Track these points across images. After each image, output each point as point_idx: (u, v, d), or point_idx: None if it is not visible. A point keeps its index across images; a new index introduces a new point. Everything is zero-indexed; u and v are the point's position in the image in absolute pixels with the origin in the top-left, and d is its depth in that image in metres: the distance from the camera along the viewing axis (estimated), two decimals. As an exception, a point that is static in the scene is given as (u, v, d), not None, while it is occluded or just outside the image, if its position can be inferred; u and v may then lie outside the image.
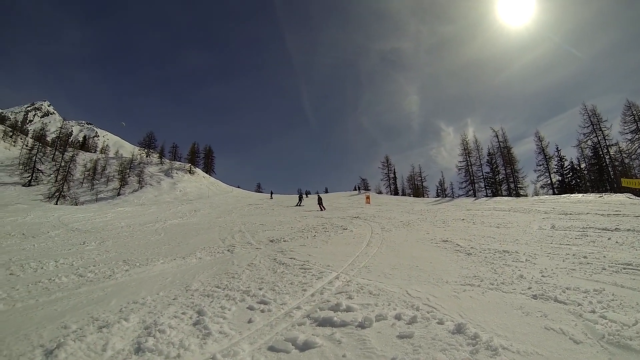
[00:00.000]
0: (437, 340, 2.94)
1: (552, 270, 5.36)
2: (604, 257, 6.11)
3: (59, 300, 4.94)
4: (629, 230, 8.93)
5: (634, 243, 7.26)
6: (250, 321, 3.70)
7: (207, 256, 8.37)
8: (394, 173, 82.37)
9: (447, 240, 8.65)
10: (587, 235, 8.46)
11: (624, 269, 5.25)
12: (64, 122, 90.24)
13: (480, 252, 7.08)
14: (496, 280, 4.92)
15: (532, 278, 4.92)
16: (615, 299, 3.85)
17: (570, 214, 13.93)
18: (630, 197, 24.55)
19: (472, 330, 3.04)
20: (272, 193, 52.96)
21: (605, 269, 5.30)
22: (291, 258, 7.45)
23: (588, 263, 5.73)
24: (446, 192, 77.11)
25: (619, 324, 3.15)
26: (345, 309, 3.83)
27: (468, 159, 65.13)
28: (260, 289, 4.99)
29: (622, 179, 33.49)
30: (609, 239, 7.91)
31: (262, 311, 4.01)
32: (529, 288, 4.42)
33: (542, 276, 5.02)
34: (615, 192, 32.79)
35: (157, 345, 3.09)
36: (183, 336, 3.30)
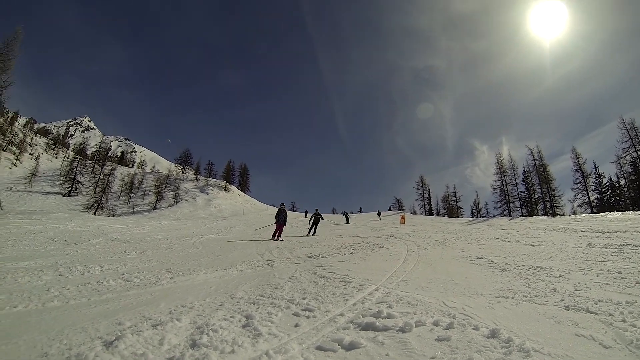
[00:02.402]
0: (473, 343, 3.13)
1: (585, 284, 5.45)
2: (639, 272, 6.15)
3: (110, 301, 5.26)
4: (669, 247, 8.81)
5: (674, 259, 7.19)
6: (296, 325, 3.94)
7: (248, 269, 8.64)
8: (429, 193, 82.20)
9: (481, 258, 8.74)
10: (624, 252, 8.43)
11: (660, 283, 5.30)
12: (104, 137, 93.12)
13: (514, 268, 7.17)
14: (529, 293, 5.05)
15: (565, 291, 5.02)
16: (647, 311, 3.94)
17: (608, 232, 13.72)
18: (672, 214, 23.94)
19: (505, 335, 3.22)
20: (307, 212, 51.76)
21: (639, 283, 5.36)
22: (331, 272, 7.63)
23: (622, 278, 5.80)
24: (481, 212, 76.30)
25: (648, 332, 3.26)
26: (386, 316, 4.05)
27: (503, 178, 64.41)
28: (303, 299, 5.22)
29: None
30: (647, 255, 7.84)
31: (307, 317, 4.25)
32: (562, 300, 4.54)
33: (575, 290, 5.12)
34: (656, 210, 31.86)
35: (211, 341, 3.35)
36: (235, 335, 3.55)
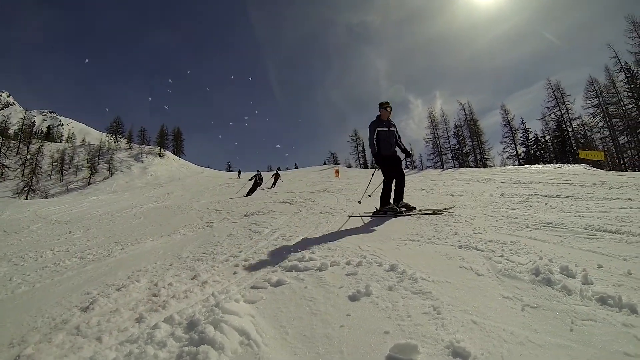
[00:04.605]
0: (375, 275, 3.91)
1: (483, 228, 6.26)
2: (532, 218, 7.02)
3: (72, 277, 5.68)
4: (568, 197, 9.91)
5: (565, 207, 8.17)
6: (235, 273, 4.72)
7: (190, 232, 9.32)
8: (363, 147, 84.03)
9: (403, 208, 9.56)
10: (529, 202, 9.45)
11: (544, 226, 6.11)
12: (26, 113, 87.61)
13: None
14: (434, 236, 5.82)
15: (464, 234, 5.79)
16: (524, 248, 4.69)
17: (524, 183, 15.06)
18: (587, 167, 25.96)
19: (402, 268, 3.98)
20: (240, 172, 56.24)
21: (527, 227, 6.17)
22: (264, 227, 8.45)
23: (516, 222, 6.63)
24: (415, 164, 78.98)
25: (516, 264, 4.00)
26: (308, 259, 4.81)
27: (435, 132, 67.11)
28: (240, 252, 6.03)
29: (579, 151, 35.43)
30: (546, 204, 8.87)
31: (244, 266, 5.02)
32: (459, 241, 5.29)
33: (473, 232, 5.90)
34: (575, 163, 34.45)
35: (168, 292, 4.03)
36: (186, 286, 4.24)
